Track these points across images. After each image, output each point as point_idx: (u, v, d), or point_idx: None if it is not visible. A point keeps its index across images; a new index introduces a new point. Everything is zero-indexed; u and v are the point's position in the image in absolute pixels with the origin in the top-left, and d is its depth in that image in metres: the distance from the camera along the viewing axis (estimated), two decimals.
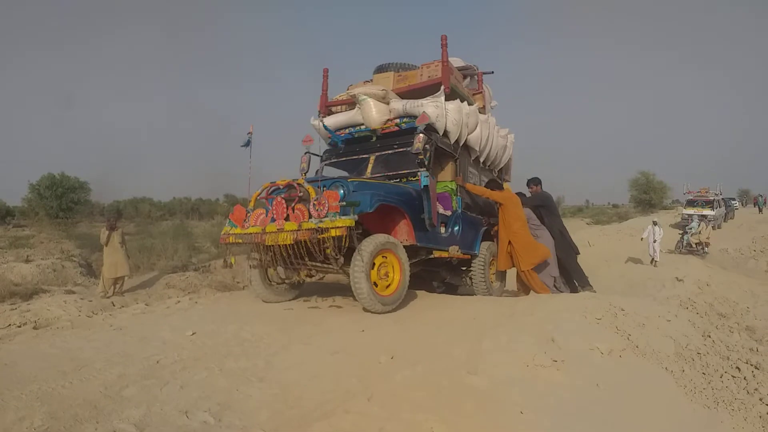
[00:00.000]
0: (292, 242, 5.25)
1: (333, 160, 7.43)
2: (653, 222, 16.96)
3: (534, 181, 8.06)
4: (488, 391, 3.44)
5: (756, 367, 4.86)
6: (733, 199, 40.01)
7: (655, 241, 16.31)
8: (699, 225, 18.72)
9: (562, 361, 3.95)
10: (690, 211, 27.57)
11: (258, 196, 5.97)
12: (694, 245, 18.33)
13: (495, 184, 7.62)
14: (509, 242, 7.15)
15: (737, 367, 4.87)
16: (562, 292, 7.41)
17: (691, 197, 29.30)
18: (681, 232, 19.14)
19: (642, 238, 16.87)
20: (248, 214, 5.89)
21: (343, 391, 3.46)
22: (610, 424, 3.36)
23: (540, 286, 7.17)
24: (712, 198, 28.50)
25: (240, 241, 5.79)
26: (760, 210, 38.89)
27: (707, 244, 18.24)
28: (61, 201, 21.48)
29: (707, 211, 27.31)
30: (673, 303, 7.20)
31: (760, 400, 4.27)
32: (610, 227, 28.19)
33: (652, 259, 16.22)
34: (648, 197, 42.88)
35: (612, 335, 4.74)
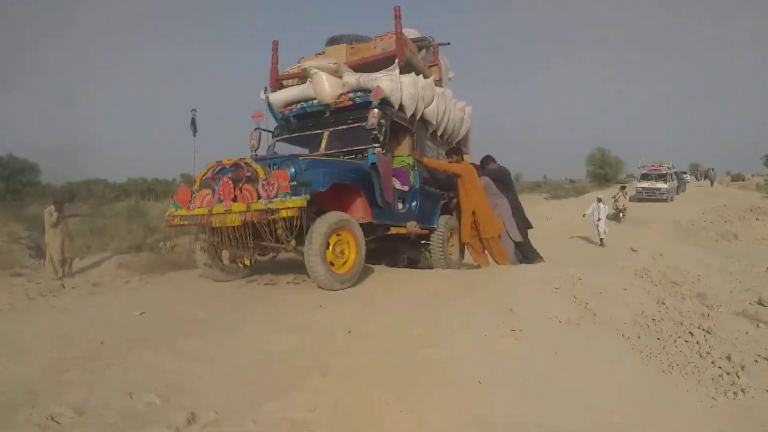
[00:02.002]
0: (241, 224, 5.03)
1: (285, 136, 7.15)
2: (597, 198, 16.18)
3: (488, 160, 7.99)
4: (446, 363, 3.37)
5: (708, 332, 4.97)
6: (685, 173, 41.27)
7: (599, 219, 15.47)
8: (618, 195, 20.83)
9: (520, 330, 3.93)
10: (645, 184, 28.39)
11: (203, 176, 5.68)
12: (615, 210, 20.19)
13: (456, 152, 7.54)
14: (473, 212, 7.09)
15: (690, 332, 4.96)
16: (519, 263, 7.42)
17: (645, 171, 30.03)
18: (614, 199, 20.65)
19: (584, 215, 16.17)
20: (193, 195, 5.59)
21: (298, 370, 3.33)
22: (569, 393, 3.35)
23: (501, 255, 7.15)
24: (665, 171, 29.25)
25: (185, 223, 5.51)
26: (712, 183, 40.18)
27: (624, 211, 20.55)
28: (9, 183, 20.57)
29: (660, 184, 28.11)
30: (629, 272, 7.28)
31: (713, 363, 4.35)
32: (567, 201, 28.68)
33: (601, 240, 15.37)
34: (604, 172, 43.87)
35: (570, 304, 4.76)
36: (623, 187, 21.99)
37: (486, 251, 7.28)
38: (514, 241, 7.45)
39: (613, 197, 20.72)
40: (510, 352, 3.68)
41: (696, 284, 8.31)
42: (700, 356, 4.49)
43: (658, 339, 4.72)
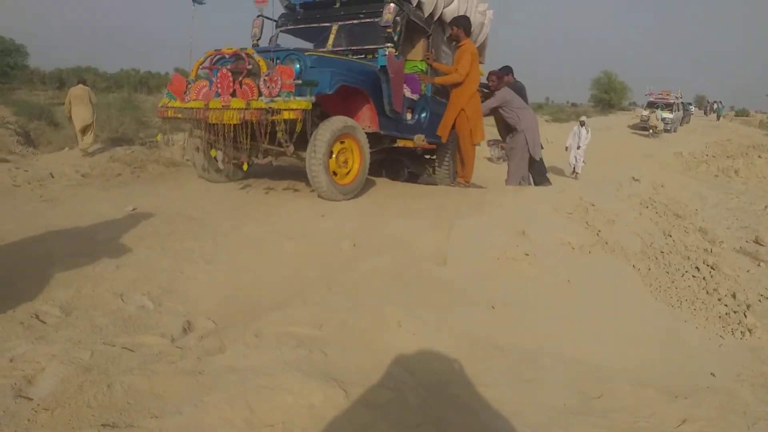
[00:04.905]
0: (239, 122, 4.66)
1: (290, 27, 6.59)
2: (580, 122, 14.20)
3: (506, 70, 7.49)
4: (458, 284, 3.20)
5: (712, 268, 4.87)
6: (690, 104, 40.50)
7: (579, 147, 13.58)
8: (651, 112, 26.36)
9: (534, 255, 3.74)
10: (649, 112, 27.87)
11: (200, 65, 5.22)
12: (648, 127, 25.44)
13: (509, 71, 7.12)
14: (462, 110, 6.40)
15: (696, 267, 4.85)
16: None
17: (652, 99, 29.44)
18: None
19: (567, 148, 13.95)
20: (189, 86, 5.16)
21: (301, 279, 3.15)
22: (581, 320, 3.21)
23: (470, 170, 6.66)
24: (672, 101, 28.67)
25: (180, 116, 5.11)
26: (719, 117, 39.48)
27: (655, 128, 25.07)
28: None
29: (666, 114, 27.62)
30: (635, 201, 7.10)
31: (719, 300, 4.26)
32: (569, 125, 28.22)
33: (573, 169, 13.60)
34: (608, 97, 43.07)
35: (582, 230, 4.58)
36: (655, 105, 27.23)
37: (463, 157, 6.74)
38: (532, 158, 7.07)
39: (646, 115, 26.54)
40: (523, 276, 3.51)
41: (694, 218, 8.23)
42: (707, 293, 4.39)
43: (667, 272, 4.60)
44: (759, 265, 5.40)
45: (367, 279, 3.08)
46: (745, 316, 3.99)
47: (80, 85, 10.09)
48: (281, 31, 6.64)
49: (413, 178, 7.77)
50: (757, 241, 6.50)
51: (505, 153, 7.34)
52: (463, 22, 6.33)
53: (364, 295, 2.88)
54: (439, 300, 2.99)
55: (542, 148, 7.41)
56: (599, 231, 4.69)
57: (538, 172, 7.26)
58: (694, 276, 4.67)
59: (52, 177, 7.25)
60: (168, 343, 2.40)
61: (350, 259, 3.47)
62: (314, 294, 2.86)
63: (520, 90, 7.28)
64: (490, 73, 7.25)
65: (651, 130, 24.80)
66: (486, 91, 7.12)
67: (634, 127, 29.04)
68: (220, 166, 5.80)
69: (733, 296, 4.33)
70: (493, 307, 3.02)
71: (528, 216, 4.49)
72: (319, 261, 3.48)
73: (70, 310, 2.67)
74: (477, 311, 2.96)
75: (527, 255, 3.71)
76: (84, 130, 9.61)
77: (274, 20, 6.67)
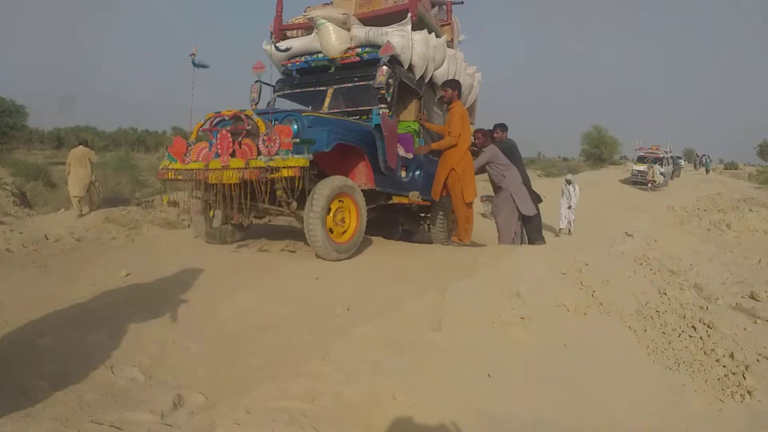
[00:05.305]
0: (238, 181, 4.73)
1: (286, 92, 6.79)
2: (566, 181, 13.99)
3: (501, 127, 7.66)
4: (453, 351, 3.17)
5: (709, 326, 4.82)
6: (680, 158, 41.28)
7: (569, 207, 13.40)
8: (649, 167, 27.68)
9: (529, 318, 3.72)
10: (640, 167, 28.45)
11: (201, 127, 5.35)
12: (647, 182, 27.22)
13: (503, 127, 7.25)
14: (452, 169, 6.38)
15: (693, 326, 4.81)
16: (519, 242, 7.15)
17: (642, 153, 30.08)
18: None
19: (570, 206, 13.63)
20: (189, 148, 5.27)
21: (294, 348, 3.11)
22: (579, 387, 3.17)
23: (465, 228, 6.58)
24: (661, 155, 29.30)
25: (180, 177, 5.20)
26: (707, 170, 40.22)
27: (653, 182, 26.94)
28: None
29: (656, 168, 28.21)
30: (628, 258, 7.11)
31: (717, 361, 4.20)
32: (561, 180, 28.64)
33: (563, 229, 13.36)
34: (599, 152, 43.81)
35: (577, 291, 4.57)
36: (645, 160, 28.75)
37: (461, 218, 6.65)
38: (525, 215, 7.09)
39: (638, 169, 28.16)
40: (519, 341, 3.47)
41: (689, 274, 8.23)
42: (705, 353, 4.34)
43: (663, 333, 4.56)
44: (756, 322, 5.36)
45: (361, 346, 3.04)
46: (744, 377, 3.93)
47: (80, 147, 10.22)
48: (279, 95, 6.82)
49: (408, 236, 7.80)
50: (752, 297, 6.48)
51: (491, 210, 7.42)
52: (452, 85, 6.50)
53: (358, 365, 2.83)
54: (435, 369, 2.94)
55: (541, 201, 7.43)
56: (594, 291, 4.68)
57: (533, 229, 7.27)
58: (690, 336, 4.62)
59: (47, 239, 7.24)
60: (158, 420, 2.35)
61: (344, 325, 3.43)
62: (307, 364, 2.82)
63: (510, 147, 7.38)
64: (476, 131, 7.43)
65: (650, 184, 26.74)
66: (475, 149, 7.25)
67: (625, 181, 29.57)
68: (215, 224, 5.87)
69: (731, 356, 4.27)
70: (489, 375, 2.98)
71: (522, 277, 4.48)
72: (313, 327, 3.44)
73: (58, 385, 2.61)
74: (473, 380, 2.91)
75: (522, 318, 3.69)
76: (81, 199, 9.41)
77: (272, 85, 6.87)
